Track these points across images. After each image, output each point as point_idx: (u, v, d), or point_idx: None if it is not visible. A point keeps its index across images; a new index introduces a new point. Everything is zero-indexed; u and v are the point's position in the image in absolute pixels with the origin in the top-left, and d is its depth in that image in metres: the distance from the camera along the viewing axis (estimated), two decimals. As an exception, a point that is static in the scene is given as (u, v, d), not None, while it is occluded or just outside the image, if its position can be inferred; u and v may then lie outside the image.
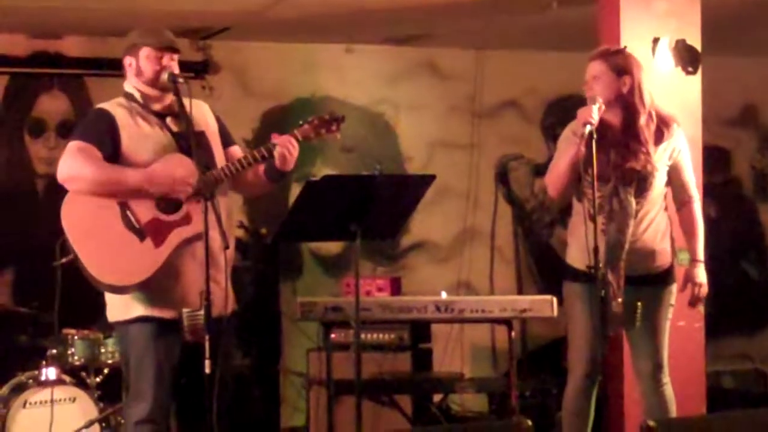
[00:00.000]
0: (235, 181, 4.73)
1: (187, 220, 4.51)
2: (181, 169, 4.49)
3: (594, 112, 4.91)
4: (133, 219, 4.49)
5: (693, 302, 5.29)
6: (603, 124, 5.00)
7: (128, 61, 4.68)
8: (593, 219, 4.81)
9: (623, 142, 5.09)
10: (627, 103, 5.09)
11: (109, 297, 4.62)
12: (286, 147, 4.66)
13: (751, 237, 9.07)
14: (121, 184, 4.47)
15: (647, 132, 5.10)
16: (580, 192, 5.10)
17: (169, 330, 4.52)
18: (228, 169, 4.60)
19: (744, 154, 9.05)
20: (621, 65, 5.11)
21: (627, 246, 5.06)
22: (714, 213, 8.54)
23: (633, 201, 5.07)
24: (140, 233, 4.48)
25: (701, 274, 5.23)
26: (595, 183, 4.82)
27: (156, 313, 4.52)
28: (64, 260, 4.53)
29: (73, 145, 4.53)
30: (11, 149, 7.60)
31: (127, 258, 4.46)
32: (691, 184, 5.27)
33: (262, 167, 4.75)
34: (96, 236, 4.46)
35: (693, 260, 5.25)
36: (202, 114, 4.75)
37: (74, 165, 4.49)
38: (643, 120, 5.10)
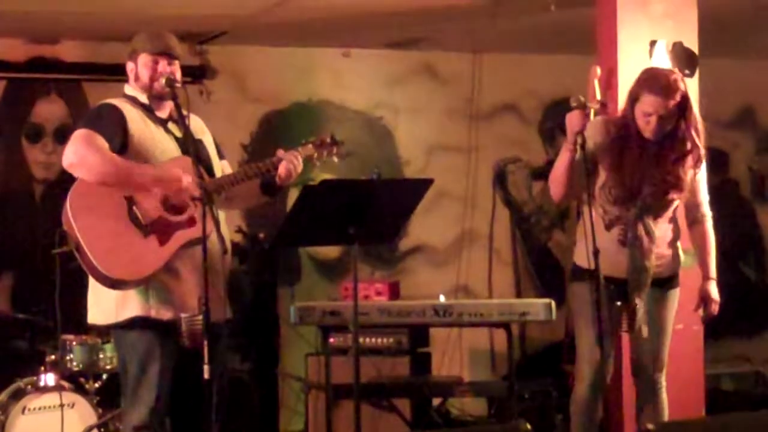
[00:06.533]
0: (227, 192, 4.73)
1: (191, 222, 4.52)
2: (189, 173, 4.49)
3: (581, 119, 4.89)
4: (139, 215, 4.48)
5: (707, 318, 5.29)
6: (641, 151, 4.97)
7: (130, 66, 4.72)
8: (591, 224, 4.80)
9: (663, 167, 5.01)
10: (690, 135, 5.01)
11: (98, 298, 4.59)
12: (292, 162, 4.70)
13: (750, 239, 9.07)
14: (129, 177, 4.47)
15: (692, 161, 5.05)
16: (588, 197, 5.05)
17: (169, 334, 4.51)
18: (232, 178, 4.64)
19: (742, 156, 9.05)
20: (684, 97, 4.98)
21: (652, 272, 5.04)
22: (712, 215, 8.53)
23: (653, 225, 5.04)
24: (145, 230, 4.48)
25: (715, 292, 5.23)
26: (590, 189, 4.81)
27: (153, 313, 4.51)
28: (65, 248, 4.51)
29: (81, 132, 4.52)
30: (9, 155, 7.59)
31: (131, 253, 4.45)
32: (705, 203, 5.25)
33: (256, 180, 4.76)
34: (101, 228, 4.44)
35: (706, 278, 5.23)
36: (200, 126, 4.80)
37: (80, 151, 4.47)
38: (701, 151, 5.05)
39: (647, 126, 4.97)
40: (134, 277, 4.46)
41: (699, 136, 5.05)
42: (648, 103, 4.95)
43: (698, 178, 5.18)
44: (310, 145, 4.84)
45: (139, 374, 4.56)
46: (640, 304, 5.04)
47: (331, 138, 4.90)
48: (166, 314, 4.52)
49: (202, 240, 4.32)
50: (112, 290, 4.50)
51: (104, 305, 4.57)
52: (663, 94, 4.93)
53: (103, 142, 4.48)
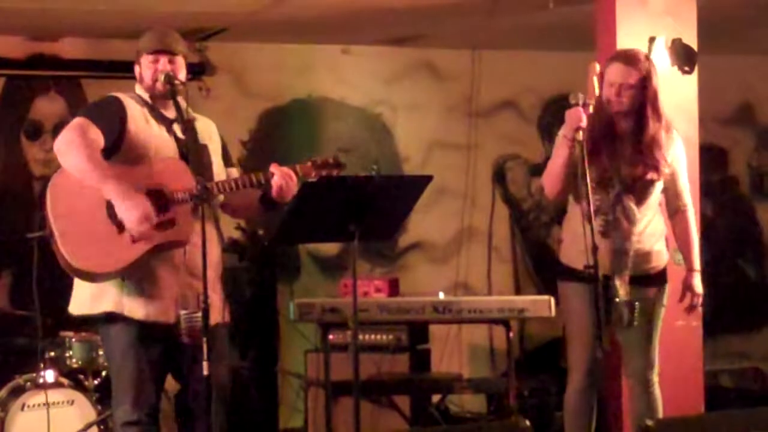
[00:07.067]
0: (223, 201, 4.73)
1: (170, 223, 4.49)
2: (180, 176, 4.47)
3: (583, 116, 4.90)
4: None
5: (689, 310, 5.29)
6: (615, 132, 4.98)
7: (136, 69, 4.73)
8: (590, 220, 4.80)
9: (638, 151, 5.05)
10: (645, 111, 5.05)
11: (77, 289, 4.61)
12: (285, 180, 4.65)
13: (749, 236, 9.06)
14: (98, 183, 4.43)
15: (664, 140, 5.08)
16: (578, 193, 5.08)
17: (147, 332, 4.51)
18: (222, 186, 4.60)
19: (741, 153, 9.04)
20: (647, 72, 5.06)
21: (632, 253, 5.05)
22: (711, 212, 8.55)
23: (635, 209, 5.05)
24: (120, 225, 4.44)
25: (698, 284, 5.23)
26: (589, 184, 4.82)
27: (125, 311, 4.50)
28: (40, 233, 4.51)
29: (78, 121, 4.53)
30: (8, 152, 7.58)
31: (102, 247, 4.43)
32: (685, 192, 5.26)
33: (257, 193, 4.75)
34: (76, 218, 4.44)
35: (690, 270, 5.24)
36: (209, 130, 4.79)
37: (74, 140, 4.47)
38: (662, 128, 5.07)
39: (614, 98, 5.00)
40: (101, 270, 4.45)
41: (658, 114, 5.07)
42: (612, 72, 5.06)
43: (676, 166, 5.18)
44: (310, 164, 4.76)
45: (117, 371, 4.59)
46: (622, 287, 5.02)
47: (334, 160, 4.83)
48: (137, 313, 4.51)
49: (202, 239, 4.29)
50: (86, 282, 4.51)
51: (79, 296, 4.60)
52: (625, 61, 5.05)
53: (97, 135, 4.49)
